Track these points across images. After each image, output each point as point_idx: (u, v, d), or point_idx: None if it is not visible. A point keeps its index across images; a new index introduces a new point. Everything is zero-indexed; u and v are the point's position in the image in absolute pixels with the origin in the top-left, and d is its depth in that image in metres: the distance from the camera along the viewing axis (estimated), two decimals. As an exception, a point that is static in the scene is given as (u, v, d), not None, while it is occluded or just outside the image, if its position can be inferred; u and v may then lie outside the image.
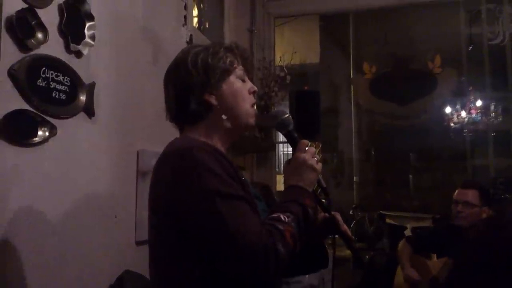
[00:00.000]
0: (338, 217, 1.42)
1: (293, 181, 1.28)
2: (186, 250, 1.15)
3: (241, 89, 1.33)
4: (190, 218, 1.13)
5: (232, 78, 1.32)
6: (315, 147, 1.42)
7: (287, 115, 1.37)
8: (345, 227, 1.42)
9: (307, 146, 1.32)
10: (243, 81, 1.35)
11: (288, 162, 1.34)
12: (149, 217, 1.27)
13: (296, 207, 1.20)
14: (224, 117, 1.30)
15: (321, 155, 6.57)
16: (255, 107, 1.37)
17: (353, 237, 4.18)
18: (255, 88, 1.37)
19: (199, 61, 1.29)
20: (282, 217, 1.16)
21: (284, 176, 1.34)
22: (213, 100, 1.29)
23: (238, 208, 1.12)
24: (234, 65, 1.33)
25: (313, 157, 1.30)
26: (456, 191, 2.88)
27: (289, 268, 1.17)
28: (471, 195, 2.78)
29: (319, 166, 1.30)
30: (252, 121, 1.35)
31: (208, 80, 1.29)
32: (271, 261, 1.08)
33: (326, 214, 1.42)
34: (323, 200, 1.41)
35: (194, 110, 1.29)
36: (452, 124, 5.90)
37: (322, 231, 1.44)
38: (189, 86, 1.28)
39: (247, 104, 1.34)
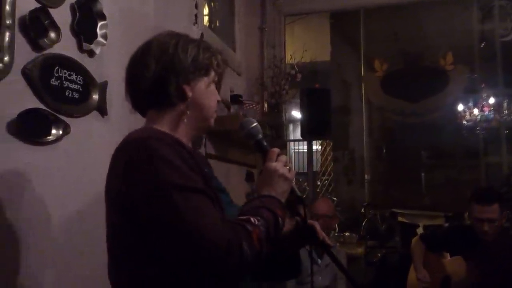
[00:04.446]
0: (317, 226, 1.40)
1: (265, 191, 1.23)
2: (144, 247, 1.11)
3: (213, 92, 1.32)
4: (145, 213, 1.09)
5: (209, 79, 1.30)
6: (284, 155, 1.39)
7: (254, 124, 1.34)
8: (323, 234, 1.40)
9: (278, 155, 1.28)
10: (215, 87, 1.34)
11: (261, 173, 1.30)
12: (106, 212, 1.25)
13: (267, 213, 1.16)
14: (191, 111, 1.27)
15: (332, 153, 6.59)
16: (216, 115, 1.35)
17: (344, 240, 4.13)
18: (219, 98, 1.36)
19: (189, 49, 1.27)
20: (252, 219, 1.12)
21: (257, 187, 1.28)
22: (188, 91, 1.26)
23: (196, 202, 1.07)
24: (216, 69, 1.32)
25: (285, 166, 1.26)
26: (476, 207, 2.68)
27: (258, 273, 1.14)
28: (495, 211, 2.65)
29: (291, 174, 1.26)
30: (212, 123, 1.34)
31: (193, 70, 1.26)
32: (234, 258, 1.04)
33: (303, 223, 1.38)
34: (301, 207, 1.37)
35: (170, 94, 1.24)
36: (464, 122, 5.87)
37: (298, 240, 1.42)
38: (175, 67, 1.24)
39: (213, 108, 1.32)
